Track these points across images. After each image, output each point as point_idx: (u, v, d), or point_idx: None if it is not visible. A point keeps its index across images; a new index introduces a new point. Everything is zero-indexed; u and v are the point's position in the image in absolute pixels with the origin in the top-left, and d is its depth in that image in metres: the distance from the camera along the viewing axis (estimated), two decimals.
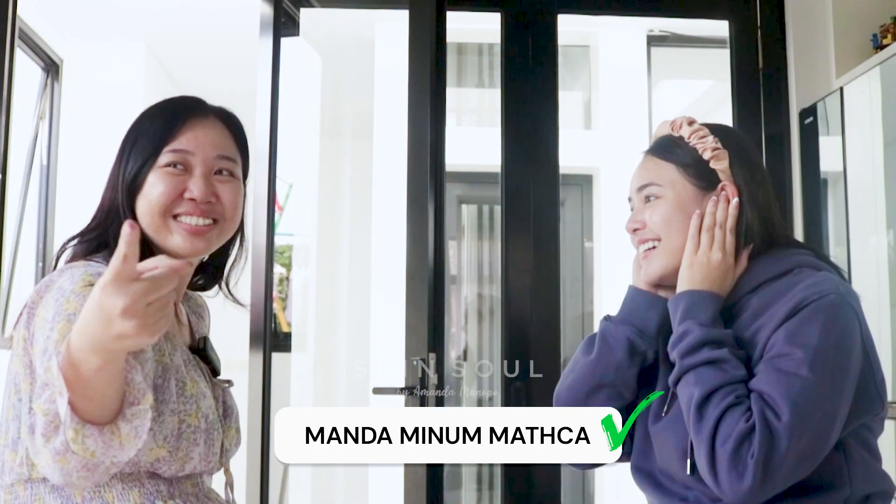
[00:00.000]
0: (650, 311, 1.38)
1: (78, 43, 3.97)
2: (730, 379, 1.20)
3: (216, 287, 1.45)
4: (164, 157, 1.27)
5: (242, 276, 1.46)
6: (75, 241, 1.28)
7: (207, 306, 1.50)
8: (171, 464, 1.19)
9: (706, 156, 1.34)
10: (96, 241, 1.27)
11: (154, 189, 1.26)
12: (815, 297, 1.21)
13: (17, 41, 2.45)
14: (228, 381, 1.39)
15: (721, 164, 1.34)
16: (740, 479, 1.14)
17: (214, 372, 1.37)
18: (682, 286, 1.31)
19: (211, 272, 1.43)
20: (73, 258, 1.26)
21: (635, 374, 1.38)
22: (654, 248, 1.36)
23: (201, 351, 1.36)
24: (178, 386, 1.22)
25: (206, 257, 1.39)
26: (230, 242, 1.39)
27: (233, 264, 1.43)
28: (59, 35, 3.85)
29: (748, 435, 1.14)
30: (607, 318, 1.41)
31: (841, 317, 1.21)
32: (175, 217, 1.27)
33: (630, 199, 1.42)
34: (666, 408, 1.33)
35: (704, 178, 1.34)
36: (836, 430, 1.19)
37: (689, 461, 1.25)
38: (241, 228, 1.39)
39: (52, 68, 3.86)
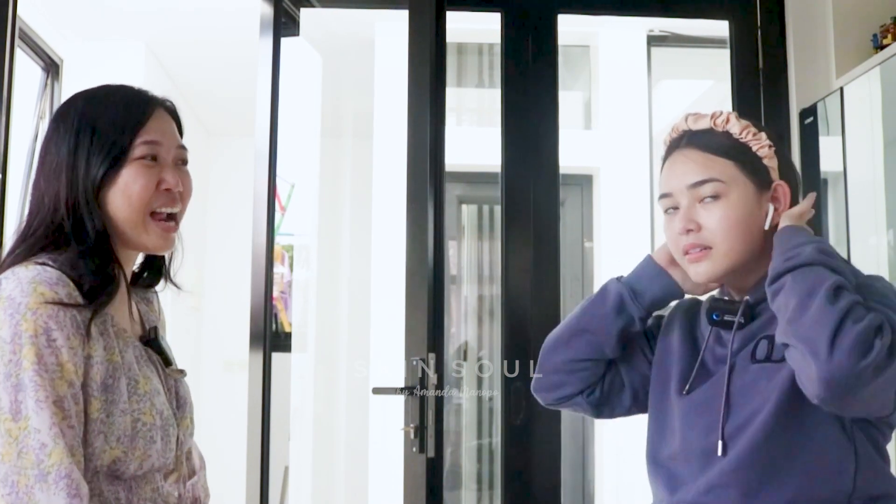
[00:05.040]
0: (654, 280, 1.41)
1: (78, 43, 3.97)
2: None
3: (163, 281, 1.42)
4: (140, 149, 1.24)
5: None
6: (22, 247, 1.21)
7: (156, 290, 1.45)
8: (128, 463, 1.18)
9: (762, 153, 1.31)
10: (42, 241, 1.21)
11: (135, 184, 1.24)
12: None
13: (17, 41, 2.45)
14: (181, 371, 1.36)
15: (774, 162, 1.32)
16: (862, 356, 1.09)
17: (167, 362, 1.33)
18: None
19: (157, 267, 1.40)
20: (16, 262, 1.18)
21: (618, 330, 1.40)
22: (705, 250, 1.29)
23: (153, 341, 1.32)
24: (129, 385, 1.20)
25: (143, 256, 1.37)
26: None
27: (172, 255, 1.40)
28: (59, 35, 3.85)
29: (879, 327, 1.12)
30: (617, 278, 1.45)
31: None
32: (152, 214, 1.26)
33: (667, 196, 1.34)
34: (688, 387, 1.32)
35: (761, 176, 1.31)
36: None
37: (721, 442, 1.24)
38: None
39: (52, 68, 3.86)
